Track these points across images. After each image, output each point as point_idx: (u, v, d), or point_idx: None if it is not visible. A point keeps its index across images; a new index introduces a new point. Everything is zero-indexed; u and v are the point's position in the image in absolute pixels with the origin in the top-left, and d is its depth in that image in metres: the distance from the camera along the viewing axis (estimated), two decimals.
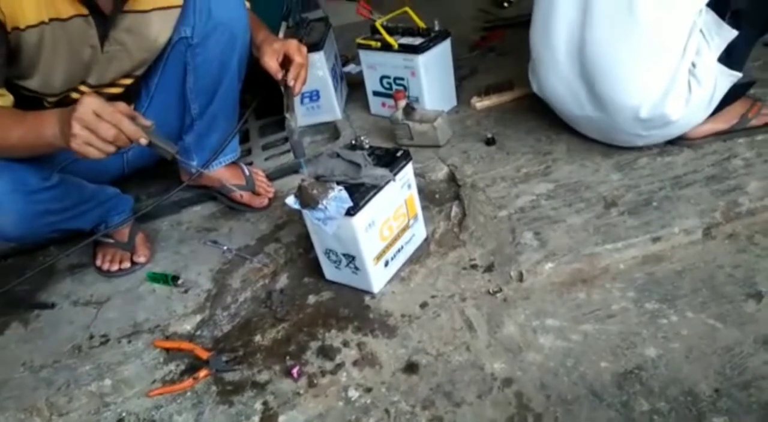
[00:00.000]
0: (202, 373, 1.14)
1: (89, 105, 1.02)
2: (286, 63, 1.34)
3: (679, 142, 1.44)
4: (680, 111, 1.32)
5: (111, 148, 1.05)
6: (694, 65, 1.30)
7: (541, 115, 1.68)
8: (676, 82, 1.30)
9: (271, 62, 1.33)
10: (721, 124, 1.43)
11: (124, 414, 1.12)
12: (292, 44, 1.34)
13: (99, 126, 1.02)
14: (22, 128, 1.10)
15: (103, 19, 1.22)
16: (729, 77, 1.32)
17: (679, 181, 1.35)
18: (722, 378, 0.94)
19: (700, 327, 1.03)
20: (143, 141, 1.08)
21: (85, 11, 1.18)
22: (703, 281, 1.11)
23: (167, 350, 1.23)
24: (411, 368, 1.08)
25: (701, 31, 1.28)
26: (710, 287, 1.10)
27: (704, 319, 1.04)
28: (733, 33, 1.26)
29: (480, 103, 1.84)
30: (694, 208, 1.26)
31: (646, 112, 1.33)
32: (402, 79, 1.79)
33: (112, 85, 1.36)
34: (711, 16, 1.28)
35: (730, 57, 1.30)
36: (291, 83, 1.31)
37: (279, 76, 1.33)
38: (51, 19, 1.15)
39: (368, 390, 1.06)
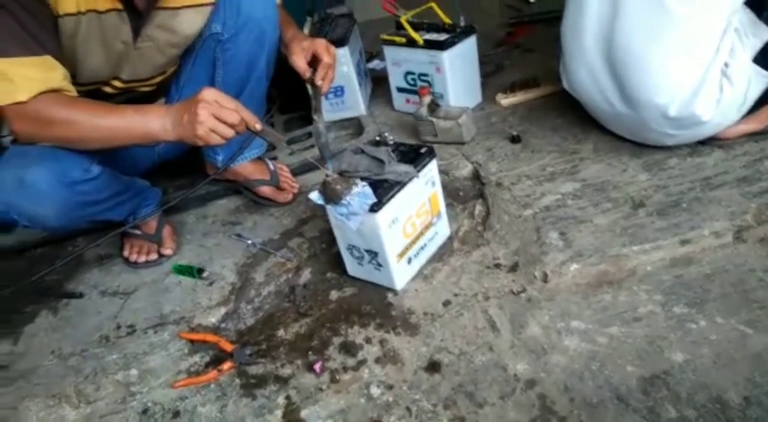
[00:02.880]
0: (226, 366, 1.16)
1: (210, 94, 1.10)
2: (313, 62, 1.34)
3: (710, 142, 1.42)
4: (711, 111, 1.30)
5: (231, 133, 1.13)
6: (727, 65, 1.28)
7: (568, 112, 1.66)
8: (707, 82, 1.28)
9: (299, 61, 1.33)
10: (754, 124, 1.40)
11: (149, 404, 1.14)
12: (321, 44, 1.34)
13: (223, 112, 1.11)
14: (118, 119, 1.14)
15: (137, 15, 1.23)
16: (764, 78, 1.29)
17: (710, 182, 1.32)
18: (752, 385, 0.92)
19: (729, 332, 1.01)
20: (258, 126, 1.16)
21: (120, 6, 1.20)
22: (733, 285, 1.09)
23: (192, 341, 1.25)
24: (433, 367, 1.08)
25: (736, 29, 1.26)
26: (740, 292, 1.08)
27: (734, 325, 1.02)
28: None
29: (505, 100, 1.83)
30: (724, 210, 1.23)
31: (675, 110, 1.31)
32: (426, 75, 1.78)
33: (145, 82, 1.37)
34: (747, 15, 1.25)
35: (765, 57, 1.27)
36: (319, 83, 1.32)
37: (307, 75, 1.33)
38: (88, 10, 1.16)
39: (390, 387, 1.06)
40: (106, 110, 1.15)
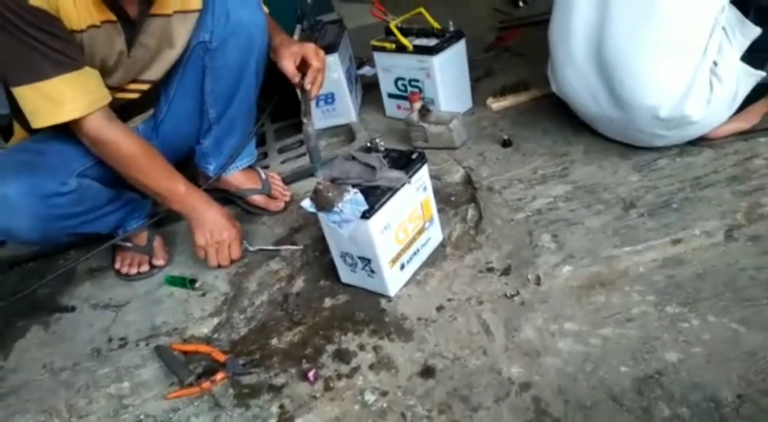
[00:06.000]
0: (219, 376, 1.15)
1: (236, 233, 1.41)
2: (303, 66, 1.34)
3: (700, 142, 1.42)
4: (701, 111, 1.30)
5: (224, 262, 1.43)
6: (715, 64, 1.28)
7: (558, 115, 1.66)
8: (696, 82, 1.28)
9: (288, 65, 1.33)
10: (743, 123, 1.40)
11: (142, 417, 1.13)
12: (310, 48, 1.34)
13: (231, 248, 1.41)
14: (169, 185, 1.34)
15: (130, 25, 1.23)
16: (752, 76, 1.30)
17: (700, 181, 1.33)
18: (745, 383, 0.92)
19: (722, 331, 1.01)
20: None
21: (113, 17, 1.20)
22: (725, 284, 1.09)
23: (185, 353, 1.24)
24: (427, 372, 1.07)
25: (724, 28, 1.26)
26: (732, 290, 1.08)
27: (726, 323, 1.02)
28: (757, 31, 1.24)
29: (496, 104, 1.83)
30: (715, 210, 1.24)
31: (665, 111, 1.31)
32: (417, 80, 1.79)
33: (127, 90, 1.37)
34: (734, 14, 1.26)
35: (753, 55, 1.28)
36: (308, 87, 1.32)
37: (296, 79, 1.33)
38: (88, 26, 1.18)
39: (384, 393, 1.05)
40: (166, 173, 1.33)
